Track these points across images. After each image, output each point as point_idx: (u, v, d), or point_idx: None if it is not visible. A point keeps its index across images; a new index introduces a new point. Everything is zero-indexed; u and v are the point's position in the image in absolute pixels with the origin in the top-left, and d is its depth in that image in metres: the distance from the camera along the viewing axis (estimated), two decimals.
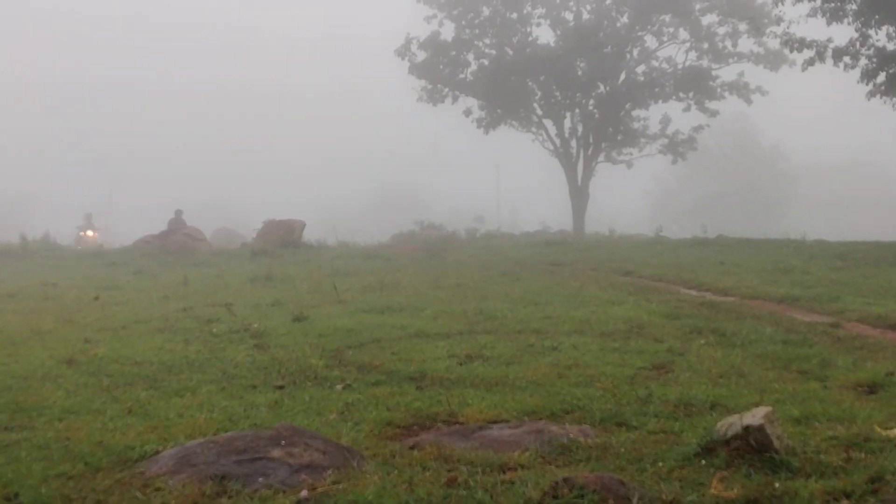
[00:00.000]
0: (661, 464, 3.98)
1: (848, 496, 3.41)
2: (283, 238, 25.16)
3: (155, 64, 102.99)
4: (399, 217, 48.05)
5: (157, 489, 3.82)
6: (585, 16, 37.45)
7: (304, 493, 3.61)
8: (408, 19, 38.88)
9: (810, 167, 79.67)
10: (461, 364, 7.03)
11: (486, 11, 37.00)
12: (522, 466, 4.06)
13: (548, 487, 3.37)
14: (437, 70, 37.44)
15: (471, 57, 37.78)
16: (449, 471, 3.97)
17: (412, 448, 4.52)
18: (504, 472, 3.94)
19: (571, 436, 4.59)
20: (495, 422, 5.07)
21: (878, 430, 4.55)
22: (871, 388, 5.91)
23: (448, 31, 37.50)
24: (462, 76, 37.76)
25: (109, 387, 6.36)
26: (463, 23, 37.30)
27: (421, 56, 37.14)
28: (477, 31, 37.45)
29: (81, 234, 36.78)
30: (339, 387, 6.22)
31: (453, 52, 37.33)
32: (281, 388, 6.21)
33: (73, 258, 23.19)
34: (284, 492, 3.68)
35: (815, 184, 78.67)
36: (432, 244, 26.84)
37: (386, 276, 14.71)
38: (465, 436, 4.76)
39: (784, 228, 27.25)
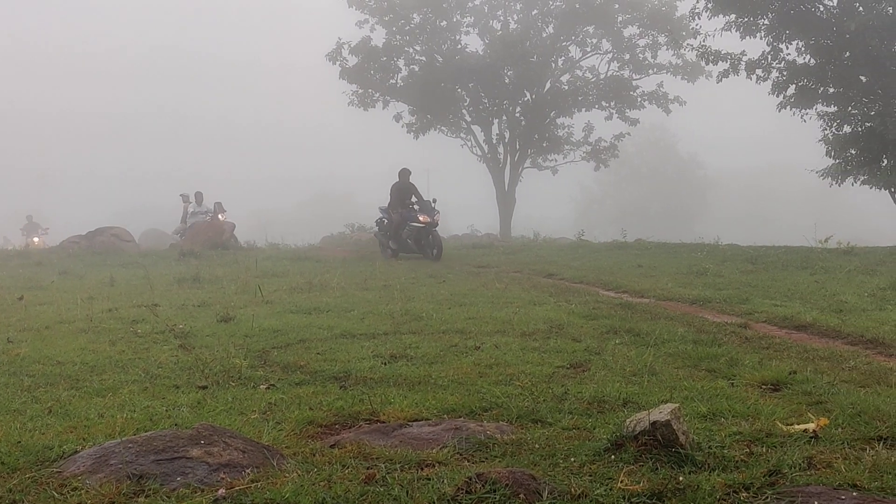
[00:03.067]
0: (573, 459, 4.02)
1: (747, 489, 3.48)
2: (212, 240, 24.83)
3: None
4: (330, 219, 47.74)
5: (74, 488, 3.73)
6: (513, 26, 37.75)
7: (221, 491, 3.57)
8: (340, 23, 38.86)
9: (727, 174, 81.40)
10: (385, 364, 7.01)
11: (416, 18, 37.01)
12: (440, 463, 4.06)
13: (462, 483, 3.38)
14: (368, 75, 37.38)
15: (401, 63, 37.85)
16: (367, 468, 3.96)
17: (333, 446, 4.49)
18: (422, 469, 3.94)
19: (489, 433, 4.61)
20: (416, 420, 5.06)
21: (780, 425, 4.66)
22: (776, 386, 6.05)
23: (379, 37, 37.54)
24: (393, 82, 37.75)
25: (30, 387, 6.19)
26: (394, 29, 37.28)
27: (352, 61, 37.01)
28: (407, 37, 37.46)
29: (28, 241, 34.87)
30: (262, 387, 6.15)
31: (384, 58, 37.31)
32: (204, 388, 6.11)
33: None
34: (202, 490, 3.63)
35: (731, 190, 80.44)
36: (362, 246, 26.78)
37: (315, 278, 14.58)
38: (386, 434, 4.75)
39: (700, 233, 27.76)
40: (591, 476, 3.71)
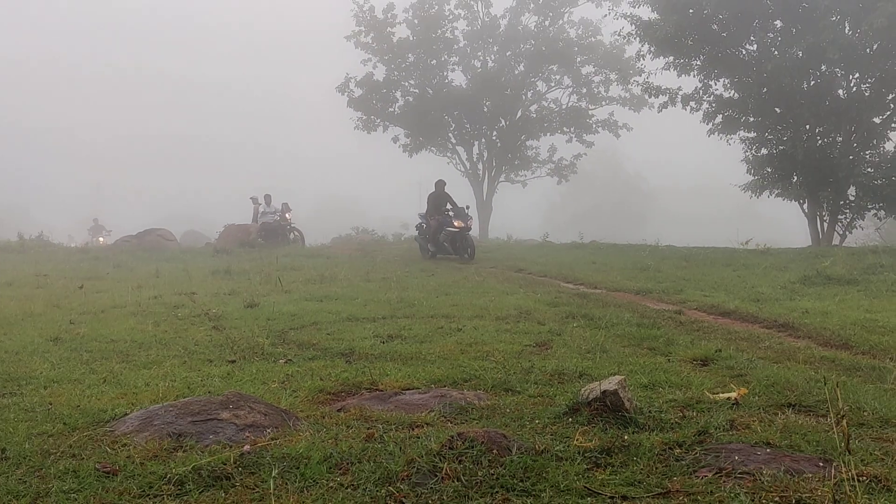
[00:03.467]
0: (537, 421, 4.02)
1: (680, 446, 3.48)
2: (240, 239, 24.71)
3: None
4: (340, 223, 47.54)
5: (124, 444, 3.71)
6: (490, 64, 37.70)
7: (246, 447, 3.55)
8: (348, 62, 38.82)
9: (666, 188, 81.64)
10: (384, 342, 6.99)
11: (411, 58, 36.94)
12: (428, 424, 4.06)
13: (445, 441, 3.37)
14: (371, 104, 37.27)
15: (398, 94, 37.68)
16: (368, 428, 3.95)
17: (339, 410, 4.48)
18: (413, 429, 3.94)
19: (468, 399, 4.60)
20: (408, 388, 5.06)
21: (708, 394, 4.67)
22: (704, 362, 6.07)
23: (380, 73, 37.42)
24: (391, 110, 37.64)
25: (88, 360, 6.15)
26: (392, 66, 37.19)
27: (357, 92, 36.96)
28: (404, 73, 37.37)
29: (93, 239, 33.90)
30: (281, 361, 6.12)
31: (384, 90, 37.22)
32: (233, 362, 6.09)
33: (63, 253, 22.35)
34: (231, 446, 3.61)
35: (670, 201, 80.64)
36: (366, 245, 26.68)
37: (325, 271, 14.52)
38: (384, 400, 4.74)
39: (644, 236, 27.76)
40: (552, 435, 3.70)
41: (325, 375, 5.47)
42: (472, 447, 3.26)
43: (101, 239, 34.11)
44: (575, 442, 3.47)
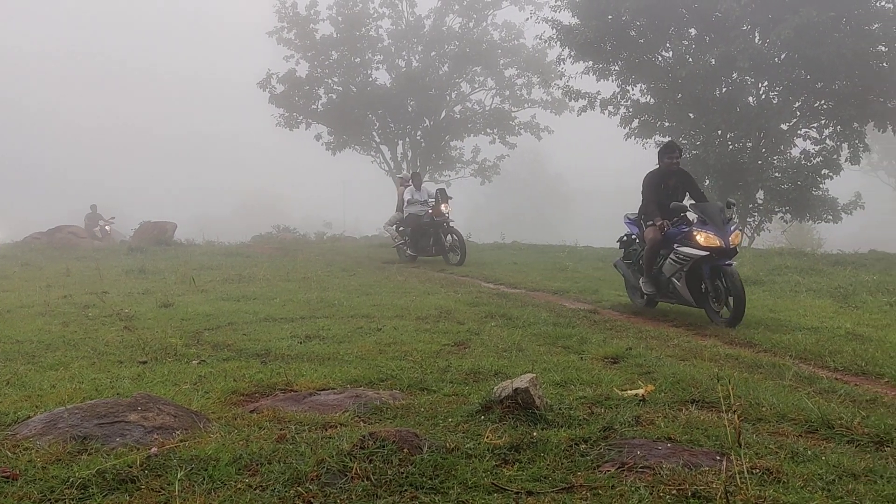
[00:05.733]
0: (450, 419, 4.06)
1: (586, 441, 3.58)
2: (156, 237, 24.05)
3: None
4: (260, 221, 46.79)
5: (26, 448, 3.58)
6: (415, 64, 37.74)
7: (153, 450, 3.48)
8: (270, 57, 38.27)
9: (587, 190, 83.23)
10: (301, 343, 6.94)
11: (334, 55, 36.65)
12: (341, 424, 4.05)
13: (357, 440, 3.38)
14: (294, 101, 36.83)
15: (321, 91, 37.32)
16: (280, 429, 3.92)
17: (252, 412, 4.43)
18: (326, 430, 3.93)
19: (383, 399, 4.61)
20: (324, 389, 5.03)
21: (617, 391, 4.81)
22: (615, 360, 6.23)
23: (303, 69, 37.04)
24: (314, 107, 37.25)
25: None
26: (315, 63, 36.83)
27: (279, 89, 36.49)
28: (327, 70, 37.04)
29: (98, 228, 28.47)
30: (194, 362, 6.01)
31: (307, 87, 36.82)
32: (144, 363, 5.94)
33: None
34: (138, 449, 3.53)
35: (590, 203, 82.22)
36: (287, 244, 26.31)
37: (244, 271, 14.31)
38: (298, 401, 4.71)
39: (564, 237, 28.26)
40: (463, 433, 3.75)
41: (239, 376, 5.40)
42: (384, 446, 3.28)
43: (106, 227, 28.82)
44: (485, 439, 3.52)
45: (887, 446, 3.81)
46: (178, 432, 3.78)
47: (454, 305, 9.66)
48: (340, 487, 3.01)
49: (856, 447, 3.80)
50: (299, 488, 3.01)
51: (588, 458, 3.36)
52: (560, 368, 5.67)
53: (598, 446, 3.50)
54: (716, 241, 8.23)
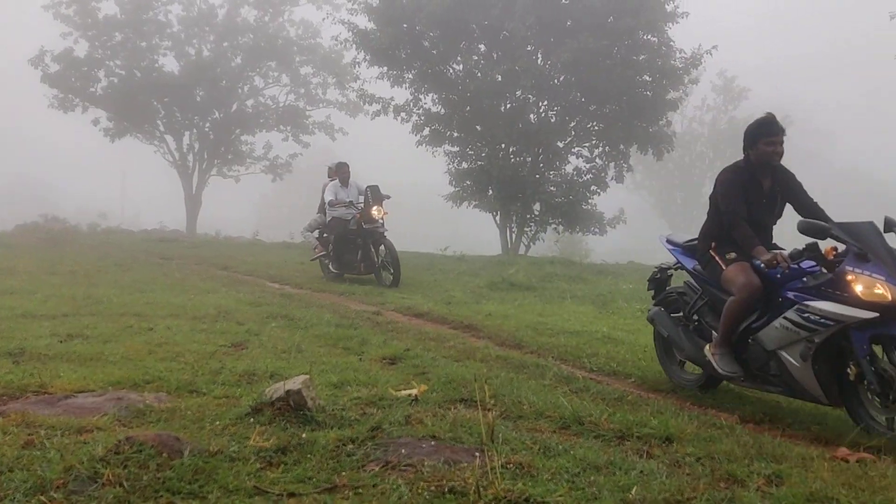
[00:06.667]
0: (217, 423, 3.94)
1: (353, 441, 3.61)
2: None
3: None
4: (25, 210, 42.66)
5: None
6: (206, 53, 36.21)
7: None
8: (46, 34, 35.01)
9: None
10: (62, 342, 6.44)
11: (118, 37, 34.31)
12: (98, 428, 3.81)
13: (112, 445, 3.19)
14: (70, 82, 33.98)
15: (102, 74, 34.78)
16: (29, 434, 3.61)
17: None
18: (80, 434, 3.67)
19: (147, 402, 4.39)
20: (82, 391, 4.70)
21: (392, 391, 4.90)
22: (393, 361, 6.36)
23: (82, 49, 34.30)
24: (93, 90, 34.61)
25: None
26: (97, 44, 34.24)
27: (54, 68, 33.52)
28: (109, 52, 34.58)
29: None
30: None
31: (85, 68, 34.16)
32: None
33: None
34: None
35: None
36: (55, 235, 24.19)
37: (2, 262, 13.02)
38: (51, 404, 4.37)
39: None
40: (230, 436, 3.66)
41: None
42: (141, 451, 3.13)
43: None
44: (251, 442, 3.46)
45: (628, 440, 4.20)
46: None
47: (235, 305, 9.40)
48: (89, 495, 2.83)
49: (601, 442, 4.14)
50: (42, 497, 2.79)
51: (354, 458, 3.40)
52: (338, 370, 5.69)
53: (364, 446, 3.55)
54: (889, 294, 4.58)
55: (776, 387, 5.28)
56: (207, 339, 6.95)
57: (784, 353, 5.02)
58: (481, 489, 2.86)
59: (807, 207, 5.44)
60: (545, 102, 23.08)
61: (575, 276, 14.50)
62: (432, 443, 3.62)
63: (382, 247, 12.78)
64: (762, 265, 5.12)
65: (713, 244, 5.64)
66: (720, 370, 5.41)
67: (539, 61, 22.28)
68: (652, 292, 6.61)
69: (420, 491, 2.96)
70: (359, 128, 37.97)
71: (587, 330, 8.54)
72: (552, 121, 23.00)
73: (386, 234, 12.80)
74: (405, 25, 21.90)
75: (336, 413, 4.14)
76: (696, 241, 5.94)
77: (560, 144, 23.26)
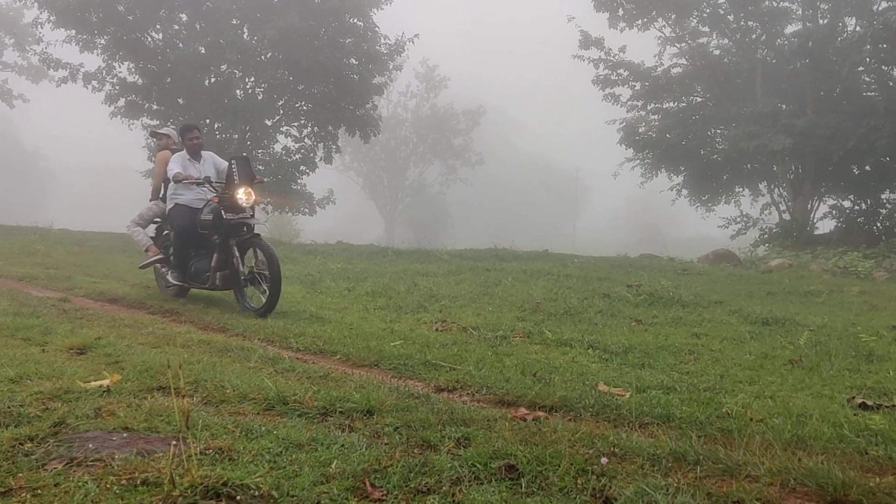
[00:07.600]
0: None
1: (32, 440, 3.32)
2: None
3: None
4: None
5: None
6: None
7: None
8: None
9: (71, 167, 76.88)
10: None
11: None
12: None
13: None
14: None
15: None
16: None
17: None
18: None
19: None
20: None
21: (79, 383, 4.55)
22: (82, 350, 5.88)
23: None
24: None
25: None
26: None
27: None
28: None
29: None
30: None
31: None
32: None
33: None
34: None
35: (75, 181, 76.20)
36: None
37: None
38: None
39: (44, 217, 25.61)
40: None
41: None
42: None
43: None
44: None
45: (331, 416, 4.31)
46: None
47: None
48: None
49: (305, 420, 4.20)
50: None
51: (33, 457, 3.12)
52: (17, 363, 5.15)
53: (46, 443, 3.27)
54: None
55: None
56: None
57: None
58: (176, 478, 2.78)
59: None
60: (252, 79, 22.61)
61: (284, 256, 14.43)
62: (124, 435, 3.43)
63: (257, 252, 8.49)
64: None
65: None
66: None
67: (245, 36, 21.72)
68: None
69: (109, 486, 2.80)
70: (50, 94, 34.29)
71: (295, 310, 8.57)
72: (259, 98, 22.60)
73: (261, 232, 8.90)
74: None
75: (13, 410, 3.76)
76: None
77: (268, 123, 22.95)
